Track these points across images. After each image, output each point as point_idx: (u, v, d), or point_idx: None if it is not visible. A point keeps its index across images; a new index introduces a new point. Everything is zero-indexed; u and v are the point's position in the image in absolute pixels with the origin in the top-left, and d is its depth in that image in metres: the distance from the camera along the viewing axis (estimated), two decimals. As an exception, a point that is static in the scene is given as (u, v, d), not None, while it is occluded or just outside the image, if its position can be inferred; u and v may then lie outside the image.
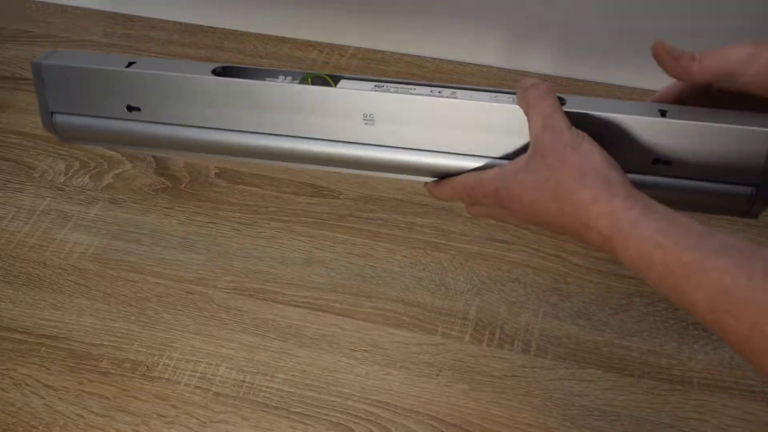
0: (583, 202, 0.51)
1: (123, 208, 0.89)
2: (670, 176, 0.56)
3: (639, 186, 0.52)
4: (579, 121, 0.53)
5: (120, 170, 0.94)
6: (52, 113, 0.63)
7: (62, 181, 0.92)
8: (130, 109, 0.61)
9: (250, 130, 0.60)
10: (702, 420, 0.71)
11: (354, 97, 0.58)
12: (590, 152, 0.52)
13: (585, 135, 0.53)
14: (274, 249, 0.85)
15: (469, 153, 0.58)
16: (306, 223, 0.87)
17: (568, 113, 0.54)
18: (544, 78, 0.56)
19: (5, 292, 0.81)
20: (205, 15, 1.14)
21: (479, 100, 0.57)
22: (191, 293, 0.81)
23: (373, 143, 0.59)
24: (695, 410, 0.71)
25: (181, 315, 0.79)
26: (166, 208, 0.89)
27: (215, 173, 0.93)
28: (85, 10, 1.16)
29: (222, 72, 0.60)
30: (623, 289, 0.81)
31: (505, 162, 0.56)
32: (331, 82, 0.60)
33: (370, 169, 0.60)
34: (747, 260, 0.45)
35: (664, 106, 0.56)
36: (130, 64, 0.61)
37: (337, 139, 0.59)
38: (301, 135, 0.59)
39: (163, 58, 0.61)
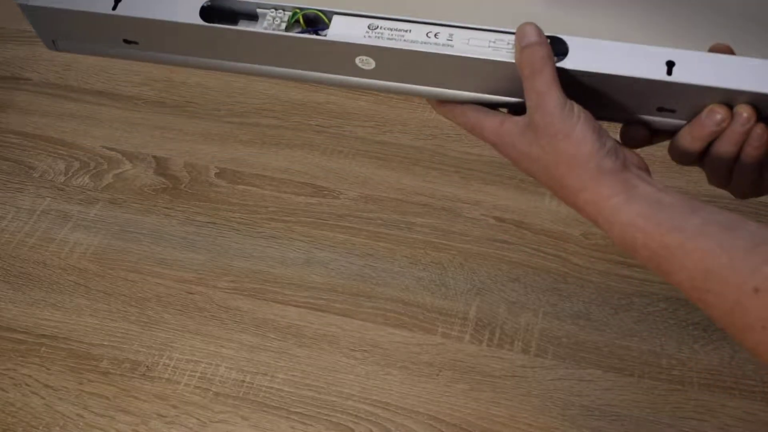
0: (572, 188, 0.52)
1: (123, 208, 0.89)
2: (674, 119, 0.55)
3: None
4: (579, 80, 0.52)
5: (120, 170, 0.94)
6: (53, 41, 0.63)
7: (62, 181, 0.92)
8: (127, 41, 0.61)
9: (244, 62, 0.60)
10: (702, 420, 0.71)
11: (346, 46, 0.57)
12: (582, 140, 0.51)
13: (580, 117, 0.51)
14: (274, 249, 0.85)
15: (467, 91, 0.57)
16: (306, 223, 0.87)
17: (567, 72, 0.52)
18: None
19: (5, 292, 0.81)
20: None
21: (477, 49, 0.55)
22: (191, 293, 0.81)
23: (368, 78, 0.58)
24: (695, 410, 0.71)
25: (181, 315, 0.79)
26: (166, 208, 0.89)
27: (215, 173, 0.93)
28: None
29: (209, 10, 0.59)
30: (623, 289, 0.81)
31: (503, 112, 0.55)
32: (324, 19, 0.58)
33: (364, 88, 0.60)
34: (728, 239, 0.46)
35: (676, 55, 0.52)
36: (116, 4, 0.59)
37: (330, 74, 0.59)
38: (294, 68, 0.59)
39: None
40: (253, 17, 0.60)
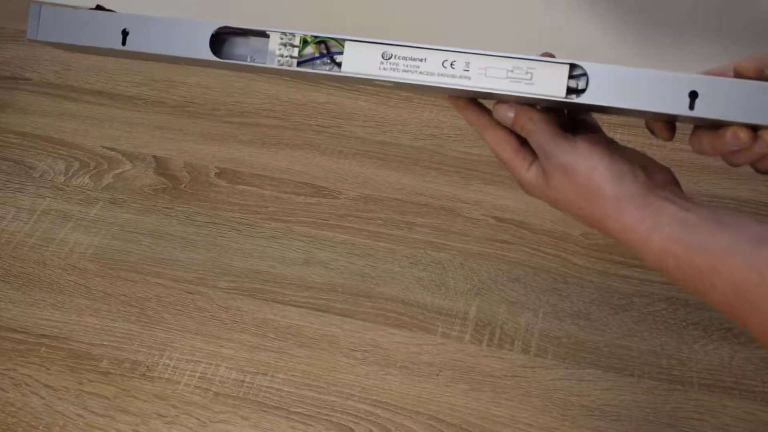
0: (597, 219, 0.53)
1: (123, 208, 0.89)
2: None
3: None
4: (601, 106, 0.52)
5: (120, 170, 0.94)
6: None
7: (62, 181, 0.92)
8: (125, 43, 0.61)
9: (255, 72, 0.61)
10: (702, 420, 0.71)
11: (360, 80, 0.57)
12: (592, 171, 0.52)
13: (582, 149, 0.52)
14: (274, 249, 0.85)
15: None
16: (306, 223, 0.87)
17: (585, 107, 0.53)
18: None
19: (5, 292, 0.81)
20: (205, 14, 1.14)
21: (494, 81, 0.54)
22: (191, 293, 0.81)
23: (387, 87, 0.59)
24: (695, 410, 0.71)
25: (181, 315, 0.79)
26: (166, 208, 0.89)
27: (215, 173, 0.93)
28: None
29: (220, 42, 0.59)
30: (623, 289, 0.81)
31: (528, 162, 0.56)
32: (338, 44, 0.58)
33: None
34: (757, 254, 0.46)
35: (699, 84, 0.51)
36: (124, 38, 0.59)
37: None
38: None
39: (157, 18, 0.59)
40: (263, 34, 0.59)
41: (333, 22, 1.09)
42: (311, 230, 0.87)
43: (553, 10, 1.00)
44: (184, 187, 0.92)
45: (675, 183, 0.54)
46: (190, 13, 1.14)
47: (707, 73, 0.54)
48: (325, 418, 0.71)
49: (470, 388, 0.73)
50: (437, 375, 0.74)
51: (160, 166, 0.94)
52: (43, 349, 0.76)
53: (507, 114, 0.56)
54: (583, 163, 0.52)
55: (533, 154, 0.56)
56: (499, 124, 0.57)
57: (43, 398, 0.72)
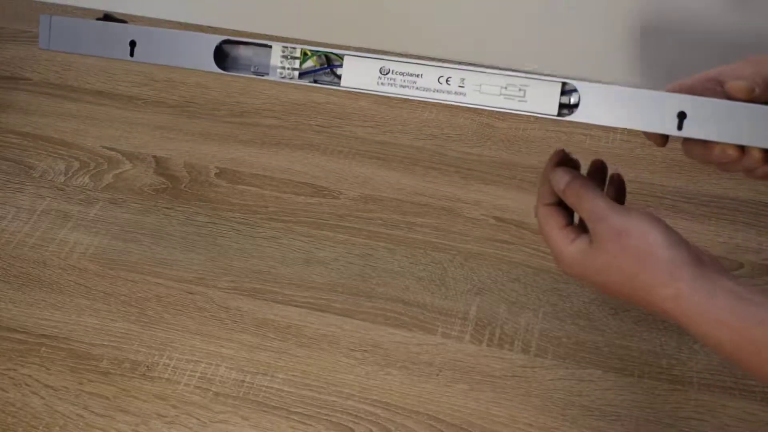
0: (647, 285, 0.51)
1: (123, 208, 0.89)
2: None
3: None
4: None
5: (120, 170, 0.94)
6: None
7: (62, 181, 0.92)
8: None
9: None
10: (702, 420, 0.71)
11: (359, 92, 0.58)
12: (646, 234, 0.51)
13: (634, 214, 0.52)
14: (274, 249, 0.85)
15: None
16: (306, 223, 0.87)
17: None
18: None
19: (5, 292, 0.81)
20: (205, 15, 1.14)
21: (488, 98, 0.56)
22: (191, 293, 0.81)
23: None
24: (695, 410, 0.71)
25: (181, 315, 0.79)
26: (166, 208, 0.89)
27: (215, 173, 0.93)
28: (85, 10, 1.16)
29: (224, 52, 0.60)
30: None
31: (570, 238, 0.56)
32: (338, 58, 0.59)
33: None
34: None
35: (688, 105, 0.52)
36: (132, 50, 0.61)
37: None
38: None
39: (163, 30, 0.61)
40: (266, 46, 0.60)
41: (336, 26, 1.09)
42: (311, 230, 0.87)
43: (554, 15, 1.00)
44: (184, 187, 0.92)
45: (720, 264, 0.54)
46: (198, 15, 1.14)
47: (679, 85, 0.56)
48: (325, 418, 0.71)
49: (470, 388, 0.73)
50: (437, 375, 0.74)
51: (160, 166, 0.94)
52: (43, 349, 0.76)
53: (562, 177, 0.56)
54: (637, 226, 0.52)
55: (577, 233, 0.56)
56: (554, 205, 0.58)
57: (43, 398, 0.72)
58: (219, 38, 0.60)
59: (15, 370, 0.74)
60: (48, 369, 0.74)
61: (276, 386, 0.73)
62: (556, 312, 0.79)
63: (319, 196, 0.90)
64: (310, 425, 0.70)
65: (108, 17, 0.63)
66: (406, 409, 0.72)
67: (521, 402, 0.72)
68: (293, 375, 0.74)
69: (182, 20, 1.14)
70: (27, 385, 0.73)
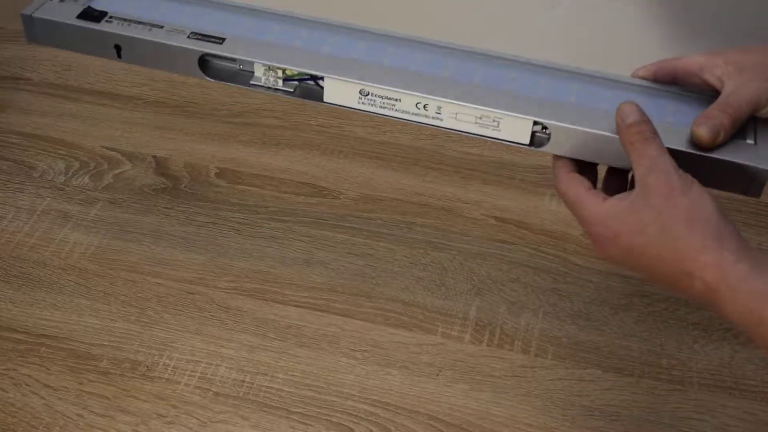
0: (690, 249, 0.49)
1: (123, 208, 0.89)
2: None
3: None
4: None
5: (120, 170, 0.94)
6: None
7: (62, 181, 0.92)
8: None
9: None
10: (702, 420, 0.71)
11: (341, 108, 0.60)
12: (700, 198, 0.50)
13: (695, 180, 0.51)
14: (274, 249, 0.85)
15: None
16: (306, 223, 0.87)
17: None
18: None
19: (5, 292, 0.81)
20: None
21: (464, 125, 0.58)
22: (191, 293, 0.81)
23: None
24: (695, 410, 0.71)
25: (181, 315, 0.79)
26: (166, 208, 0.89)
27: (215, 173, 0.93)
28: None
29: (208, 65, 0.62)
30: (623, 289, 0.81)
31: (601, 196, 0.54)
32: (317, 86, 0.61)
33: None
34: None
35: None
36: (118, 52, 0.62)
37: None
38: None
39: (145, 40, 0.62)
40: (249, 64, 0.62)
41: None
42: (311, 230, 0.87)
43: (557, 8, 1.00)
44: (184, 187, 0.92)
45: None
46: None
47: (642, 70, 0.59)
48: (325, 418, 0.71)
49: (470, 388, 0.73)
50: (437, 375, 0.74)
51: (160, 166, 0.94)
52: (43, 349, 0.76)
53: (633, 113, 0.53)
54: (694, 190, 0.50)
55: (605, 195, 0.54)
56: (576, 171, 0.56)
57: (43, 398, 0.72)
58: (200, 52, 0.61)
59: (15, 370, 0.74)
60: (48, 369, 0.74)
61: (276, 386, 0.73)
62: (556, 312, 0.79)
63: (319, 196, 0.90)
64: (310, 425, 0.70)
65: (87, 14, 0.63)
66: (406, 409, 0.72)
67: (521, 402, 0.72)
68: (293, 375, 0.74)
69: None
70: (27, 385, 0.73)
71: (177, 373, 0.74)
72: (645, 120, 0.53)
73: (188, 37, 0.61)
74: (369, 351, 0.76)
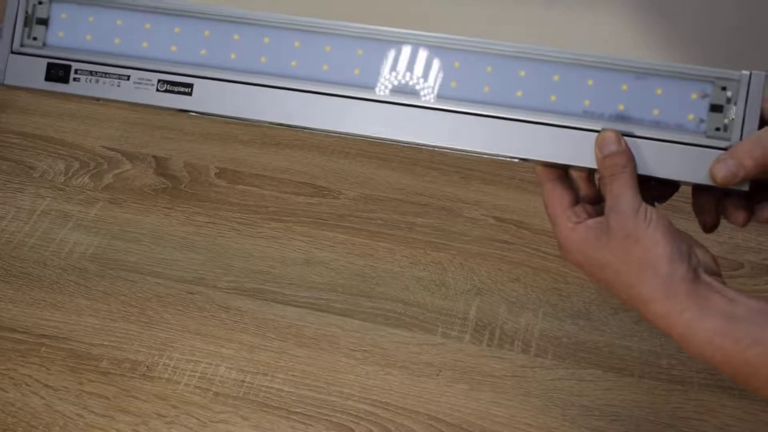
0: (641, 297, 0.50)
1: (123, 208, 0.89)
2: None
3: None
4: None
5: (120, 170, 0.94)
6: None
7: (62, 181, 0.92)
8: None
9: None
10: (702, 420, 0.71)
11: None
12: (654, 245, 0.50)
13: (652, 220, 0.50)
14: (274, 249, 0.85)
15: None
16: (306, 223, 0.87)
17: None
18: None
19: (5, 292, 0.81)
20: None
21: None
22: (191, 293, 0.81)
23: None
24: (695, 410, 0.71)
25: (181, 315, 0.79)
26: (166, 208, 0.89)
27: (215, 173, 0.93)
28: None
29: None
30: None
31: (580, 217, 0.54)
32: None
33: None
34: None
35: None
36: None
37: None
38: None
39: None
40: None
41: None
42: (311, 230, 0.87)
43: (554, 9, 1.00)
44: (184, 187, 0.92)
45: (718, 272, 0.53)
46: None
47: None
48: (325, 418, 0.71)
49: (470, 388, 0.73)
50: (437, 375, 0.74)
51: (160, 166, 0.94)
52: (43, 349, 0.76)
53: (611, 146, 0.53)
54: (649, 235, 0.50)
55: (581, 216, 0.54)
56: (559, 180, 0.56)
57: (43, 398, 0.72)
58: (171, 108, 0.61)
59: (15, 370, 0.74)
60: (48, 369, 0.74)
61: (276, 386, 0.73)
62: (556, 312, 0.79)
63: (319, 196, 0.90)
64: (310, 425, 0.70)
65: (53, 75, 0.63)
66: (406, 409, 0.71)
67: (521, 402, 0.72)
68: (293, 375, 0.74)
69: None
70: (27, 385, 0.73)
71: (177, 373, 0.74)
72: (620, 151, 0.53)
73: (157, 90, 0.60)
74: (369, 351, 0.76)
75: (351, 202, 0.90)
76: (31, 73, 0.63)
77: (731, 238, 0.85)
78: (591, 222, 0.53)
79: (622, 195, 0.51)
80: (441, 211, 0.89)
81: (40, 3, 0.62)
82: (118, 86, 0.61)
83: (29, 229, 0.87)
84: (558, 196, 0.55)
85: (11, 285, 0.81)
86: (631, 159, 0.53)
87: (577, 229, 0.53)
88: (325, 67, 0.59)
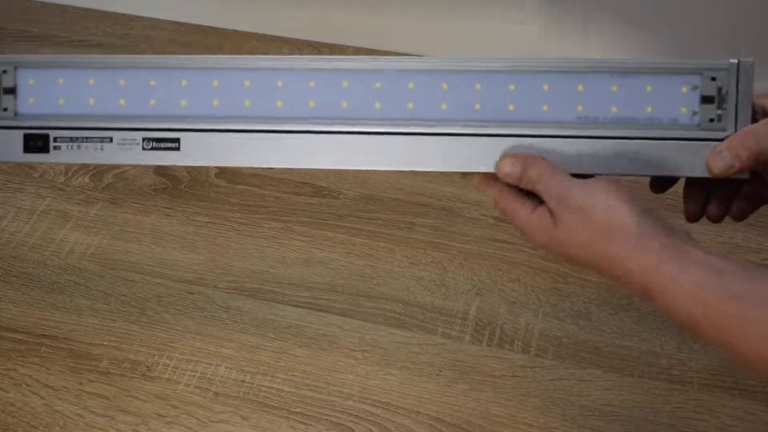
0: (615, 259, 0.50)
1: (123, 208, 0.89)
2: None
3: None
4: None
5: (120, 170, 0.94)
6: None
7: (62, 181, 0.92)
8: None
9: None
10: (702, 420, 0.71)
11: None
12: (612, 208, 0.50)
13: (598, 187, 0.51)
14: (274, 249, 0.85)
15: None
16: (306, 223, 0.87)
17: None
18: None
19: (5, 292, 0.81)
20: (205, 15, 1.14)
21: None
22: (191, 293, 0.81)
23: None
24: (695, 410, 0.71)
25: (181, 315, 0.79)
26: (166, 208, 0.89)
27: (215, 173, 0.93)
28: (85, 10, 1.16)
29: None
30: (623, 289, 0.80)
31: (530, 206, 0.55)
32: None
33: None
34: None
35: None
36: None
37: None
38: None
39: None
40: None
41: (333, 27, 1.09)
42: (311, 230, 0.87)
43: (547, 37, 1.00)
44: (184, 187, 0.92)
45: (688, 233, 0.52)
46: (197, 15, 1.14)
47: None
48: (325, 418, 0.71)
49: (470, 388, 0.73)
50: (437, 375, 0.74)
51: (160, 166, 0.94)
52: (43, 349, 0.76)
53: (512, 169, 0.54)
54: (601, 201, 0.50)
55: (536, 202, 0.54)
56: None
57: (43, 398, 0.72)
58: (157, 164, 0.60)
59: (15, 370, 0.74)
60: (48, 369, 0.74)
61: (276, 386, 0.73)
62: (556, 312, 0.79)
63: (319, 196, 0.90)
64: (310, 425, 0.70)
65: (31, 146, 0.60)
66: (406, 409, 0.71)
67: (521, 402, 0.72)
68: (293, 375, 0.74)
69: (182, 20, 1.14)
70: (27, 385, 0.73)
71: (177, 373, 0.74)
72: (520, 170, 0.54)
73: (143, 148, 0.58)
74: (369, 351, 0.76)
75: (351, 202, 0.90)
76: (8, 145, 0.59)
77: (731, 238, 0.85)
78: (543, 207, 0.54)
79: (553, 185, 0.52)
80: (441, 211, 0.89)
81: (4, 72, 0.60)
82: (102, 149, 0.58)
83: (29, 229, 0.87)
84: (508, 191, 0.55)
85: (11, 285, 0.81)
86: (534, 163, 0.53)
87: (534, 213, 0.54)
88: (311, 104, 0.58)
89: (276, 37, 1.12)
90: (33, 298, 0.80)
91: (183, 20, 1.14)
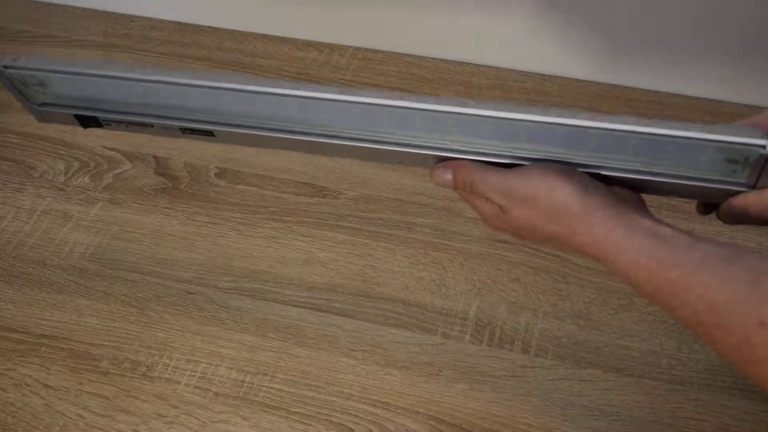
0: (565, 236, 0.52)
1: (123, 208, 0.89)
2: None
3: None
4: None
5: (120, 170, 0.94)
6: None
7: (62, 181, 0.92)
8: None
9: None
10: (702, 420, 0.71)
11: None
12: (552, 190, 0.52)
13: (537, 174, 0.52)
14: (274, 249, 0.85)
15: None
16: (306, 223, 0.87)
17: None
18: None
19: (5, 292, 0.81)
20: (205, 15, 1.14)
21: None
22: (191, 293, 0.81)
23: None
24: (695, 410, 0.71)
25: (181, 315, 0.79)
26: (166, 208, 0.89)
27: (215, 173, 0.93)
28: (85, 10, 1.16)
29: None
30: (623, 289, 0.81)
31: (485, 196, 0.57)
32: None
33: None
34: (730, 272, 0.45)
35: None
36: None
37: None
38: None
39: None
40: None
41: (335, 25, 1.09)
42: (311, 230, 0.87)
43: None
44: (184, 187, 0.92)
45: (642, 203, 0.54)
46: (198, 15, 1.14)
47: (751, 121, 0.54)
48: (325, 418, 0.71)
49: (470, 388, 0.73)
50: (437, 375, 0.74)
51: (160, 166, 0.94)
52: (43, 349, 0.76)
53: (445, 177, 0.57)
54: (541, 186, 0.52)
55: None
56: None
57: (43, 398, 0.72)
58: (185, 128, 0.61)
59: (15, 370, 0.74)
60: (48, 369, 0.74)
61: (276, 386, 0.73)
62: (556, 312, 0.79)
63: (319, 196, 0.90)
64: (310, 425, 0.70)
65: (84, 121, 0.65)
66: (406, 409, 0.72)
67: (521, 402, 0.72)
68: (293, 375, 0.74)
69: (182, 20, 1.14)
70: (27, 385, 0.73)
71: (177, 373, 0.74)
72: (455, 169, 0.56)
73: (182, 132, 0.61)
74: (369, 351, 0.76)
75: (351, 202, 0.90)
76: (65, 118, 0.65)
77: (731, 238, 0.85)
78: (491, 206, 0.56)
79: (490, 185, 0.55)
80: (441, 211, 0.89)
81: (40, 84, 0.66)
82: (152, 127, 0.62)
83: (29, 229, 0.87)
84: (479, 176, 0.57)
85: (11, 285, 0.81)
86: (462, 166, 0.56)
87: (487, 204, 0.56)
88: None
89: (276, 37, 1.12)
90: (33, 298, 0.80)
91: (183, 20, 1.14)
